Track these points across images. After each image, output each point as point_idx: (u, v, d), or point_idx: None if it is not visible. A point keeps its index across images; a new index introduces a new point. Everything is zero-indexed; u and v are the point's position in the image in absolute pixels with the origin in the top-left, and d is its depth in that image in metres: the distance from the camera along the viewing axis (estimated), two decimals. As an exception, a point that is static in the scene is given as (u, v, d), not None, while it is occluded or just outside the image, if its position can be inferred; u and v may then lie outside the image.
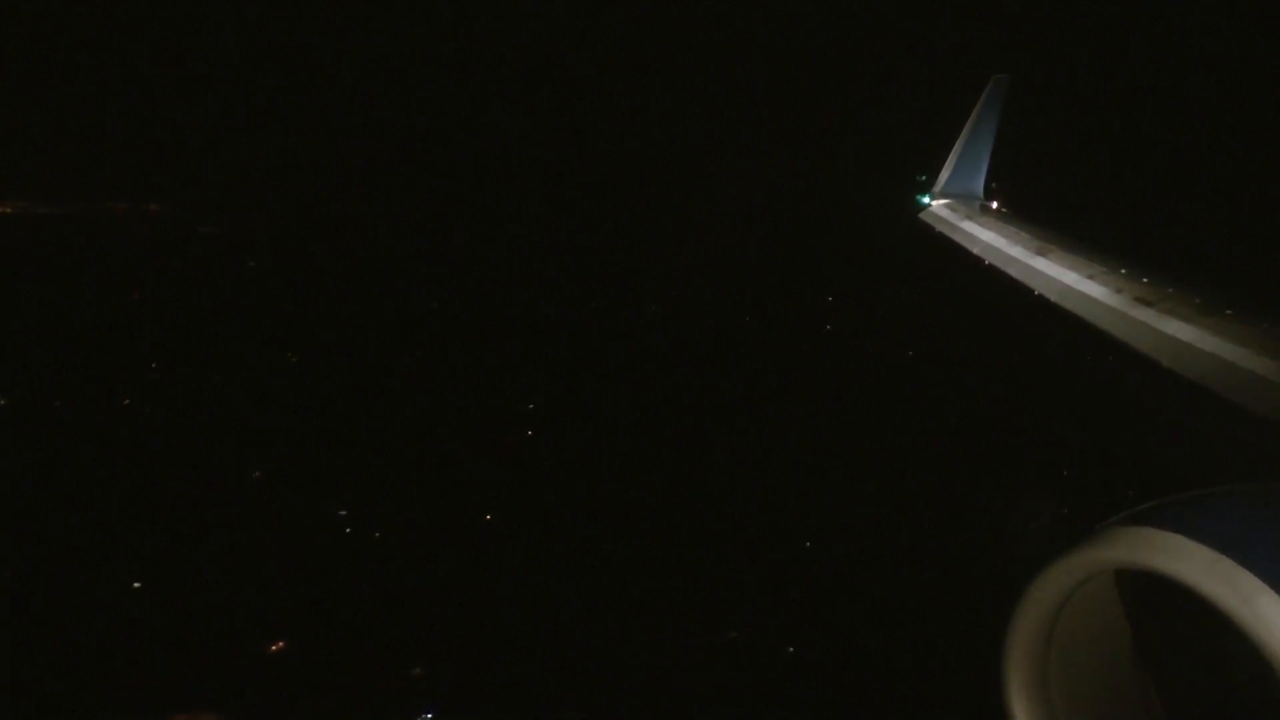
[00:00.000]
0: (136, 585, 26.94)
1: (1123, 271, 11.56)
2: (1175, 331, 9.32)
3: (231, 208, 71.08)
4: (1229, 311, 9.49)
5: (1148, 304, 10.15)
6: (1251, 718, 2.60)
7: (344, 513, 31.06)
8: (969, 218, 16.82)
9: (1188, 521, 2.62)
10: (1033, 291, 12.36)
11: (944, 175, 18.85)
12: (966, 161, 18.85)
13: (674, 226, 56.74)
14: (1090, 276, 11.57)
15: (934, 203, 18.33)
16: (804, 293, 51.65)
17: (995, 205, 18.10)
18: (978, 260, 14.68)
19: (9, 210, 70.07)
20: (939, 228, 16.99)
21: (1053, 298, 11.78)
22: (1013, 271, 13.28)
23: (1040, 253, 13.24)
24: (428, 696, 23.72)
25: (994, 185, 18.97)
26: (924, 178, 19.20)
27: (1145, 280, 11.10)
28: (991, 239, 15.04)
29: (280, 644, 25.05)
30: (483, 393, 40.32)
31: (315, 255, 59.73)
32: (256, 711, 23.24)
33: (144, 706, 22.79)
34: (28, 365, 41.53)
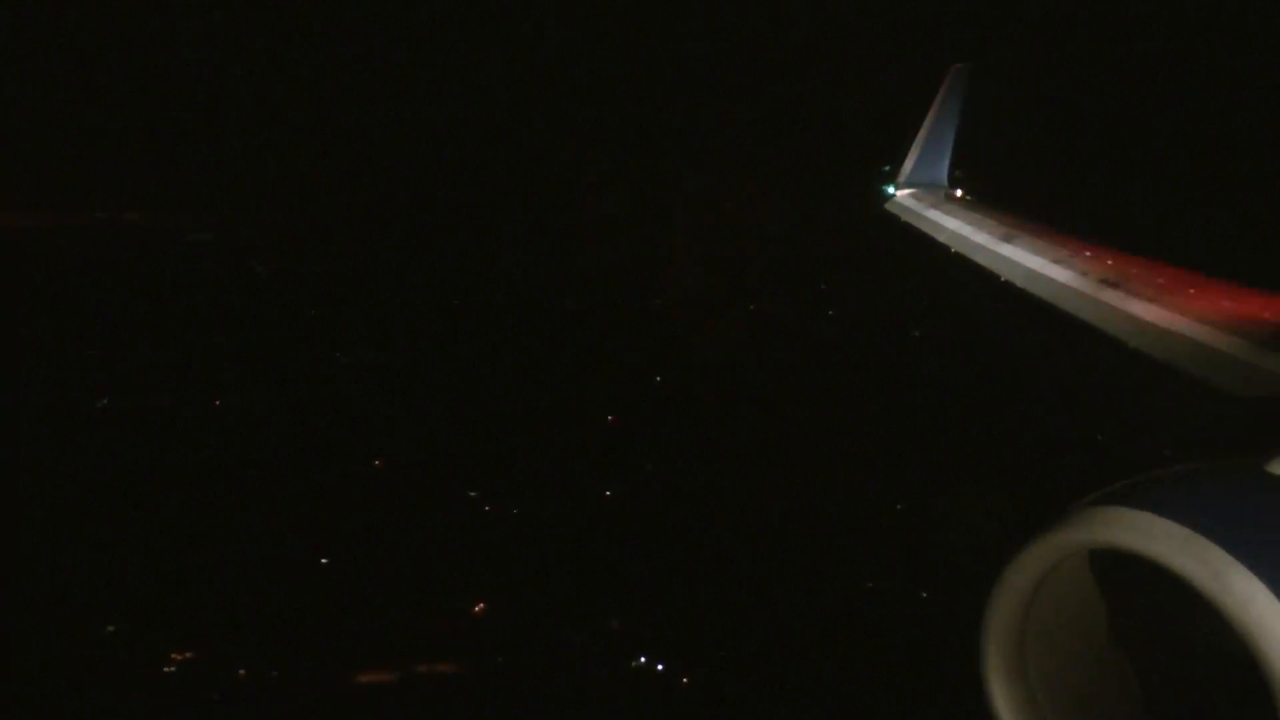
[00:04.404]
0: (324, 561, 27.44)
1: (1088, 254, 11.64)
2: (1141, 312, 9.39)
3: (215, 214, 68.94)
4: (1193, 290, 9.57)
5: (1113, 285, 10.23)
6: (1227, 693, 2.61)
7: (473, 494, 31.34)
8: (934, 206, 16.90)
9: (1159, 499, 2.63)
10: (999, 277, 12.42)
11: (907, 165, 18.92)
12: (929, 151, 18.93)
13: (654, 231, 56.81)
14: (1056, 260, 11.64)
15: (899, 193, 18.39)
16: (795, 283, 51.83)
17: (960, 193, 18.19)
18: (944, 248, 14.74)
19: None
20: (905, 217, 17.06)
21: (1019, 282, 11.84)
22: (979, 258, 13.34)
23: (1006, 239, 13.30)
24: (631, 644, 24.25)
25: (959, 173, 19.06)
26: (888, 169, 19.26)
27: (1110, 262, 11.18)
28: (957, 227, 15.11)
29: (481, 606, 25.50)
30: (544, 382, 40.33)
31: (322, 258, 59.08)
32: (488, 662, 23.75)
33: (391, 659, 23.46)
34: (112, 367, 42.12)
